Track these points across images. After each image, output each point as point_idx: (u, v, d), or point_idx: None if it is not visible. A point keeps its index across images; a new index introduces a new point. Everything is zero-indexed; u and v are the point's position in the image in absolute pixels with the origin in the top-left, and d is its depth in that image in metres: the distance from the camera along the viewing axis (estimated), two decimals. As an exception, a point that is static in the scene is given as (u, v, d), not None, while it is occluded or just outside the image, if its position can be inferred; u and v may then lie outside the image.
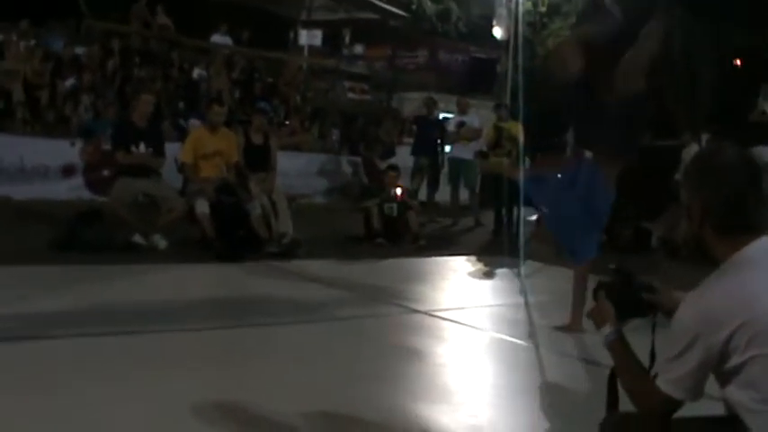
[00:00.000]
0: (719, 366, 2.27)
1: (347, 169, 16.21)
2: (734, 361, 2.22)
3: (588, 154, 6.14)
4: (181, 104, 15.49)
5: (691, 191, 2.49)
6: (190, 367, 4.81)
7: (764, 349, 2.16)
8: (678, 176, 14.87)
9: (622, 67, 5.64)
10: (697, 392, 2.34)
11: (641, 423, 2.50)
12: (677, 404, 2.37)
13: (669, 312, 2.55)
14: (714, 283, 2.33)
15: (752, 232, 2.36)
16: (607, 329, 2.63)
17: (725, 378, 2.28)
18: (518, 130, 12.99)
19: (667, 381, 2.35)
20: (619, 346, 2.59)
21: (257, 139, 10.13)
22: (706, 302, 2.29)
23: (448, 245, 11.81)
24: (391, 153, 15.56)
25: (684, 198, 2.52)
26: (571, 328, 6.26)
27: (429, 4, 27.40)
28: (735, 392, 2.26)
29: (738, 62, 28.90)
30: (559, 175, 6.48)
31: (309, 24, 19.74)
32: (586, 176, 6.06)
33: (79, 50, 15.53)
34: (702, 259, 2.48)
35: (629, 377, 2.54)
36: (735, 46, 24.99)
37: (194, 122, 13.26)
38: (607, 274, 2.83)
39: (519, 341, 6.15)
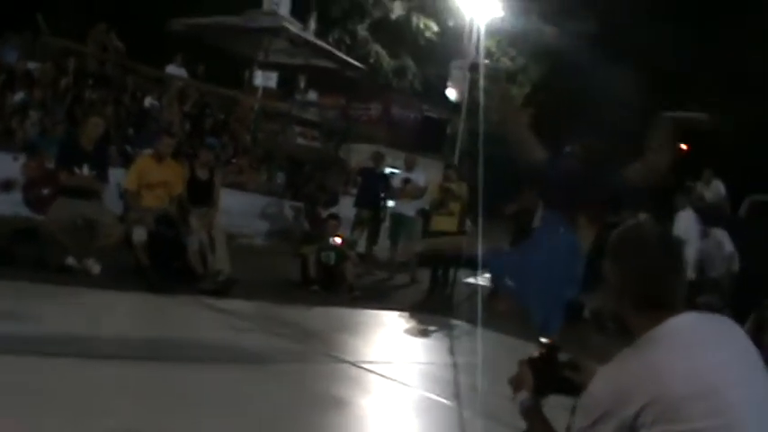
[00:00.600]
0: None
1: (289, 214, 16.18)
2: None
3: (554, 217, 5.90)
4: (130, 131, 15.36)
5: (609, 266, 2.54)
6: (96, 397, 4.72)
7: (669, 426, 2.18)
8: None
9: None
10: None
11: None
12: None
13: None
14: (627, 358, 2.36)
15: (667, 309, 2.40)
16: (522, 396, 2.67)
17: None
18: (465, 191, 13.14)
19: None
20: (533, 413, 2.63)
21: (202, 173, 10.09)
22: (617, 378, 2.33)
23: (382, 298, 11.84)
24: (335, 202, 15.60)
25: (605, 273, 2.57)
26: None
27: (386, 58, 27.74)
28: (642, 465, 2.29)
29: (685, 147, 29.63)
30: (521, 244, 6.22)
31: (266, 66, 19.78)
32: (555, 240, 5.74)
33: (32, 66, 15.38)
34: (629, 334, 2.52)
35: None
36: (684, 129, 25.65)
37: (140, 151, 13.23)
38: (535, 346, 2.88)
39: (443, 400, 6.17)
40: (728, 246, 12.07)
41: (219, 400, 5.18)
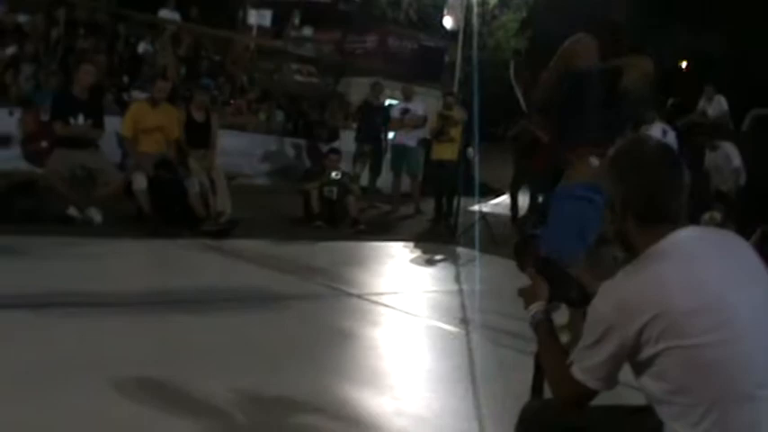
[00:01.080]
0: (633, 357, 2.29)
1: (290, 151, 16.13)
2: (646, 353, 2.24)
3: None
4: (125, 78, 15.25)
5: (612, 183, 2.53)
6: (109, 346, 4.77)
7: (675, 341, 2.18)
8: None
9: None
10: (610, 382, 2.36)
11: (560, 410, 2.53)
12: (592, 393, 2.38)
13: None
14: (630, 273, 2.35)
15: (670, 223, 2.39)
16: (536, 307, 2.67)
17: (639, 369, 2.30)
18: (462, 116, 13.09)
19: (582, 369, 2.36)
20: (544, 327, 2.63)
21: (199, 116, 10.01)
22: (621, 293, 2.32)
23: (387, 231, 11.85)
24: (335, 136, 15.54)
25: (607, 191, 2.56)
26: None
27: (381, -11, 27.38)
28: (647, 383, 2.28)
29: (684, 64, 29.46)
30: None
31: (259, 4, 19.58)
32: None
33: (22, 18, 15.22)
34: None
35: (550, 358, 2.57)
36: (681, 47, 25.52)
37: (137, 94, 13.13)
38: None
39: (451, 327, 6.19)
40: (736, 159, 11.99)
41: (230, 340, 5.22)
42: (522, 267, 2.85)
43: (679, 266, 2.30)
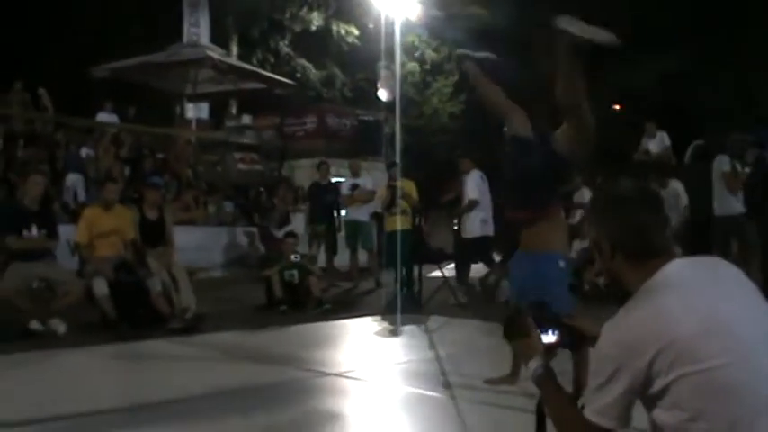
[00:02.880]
0: (645, 391, 2.31)
1: (243, 240, 16.15)
2: (659, 384, 2.26)
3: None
4: (69, 185, 15.17)
5: (597, 226, 2.61)
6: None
7: (687, 368, 2.22)
8: (570, 221, 15.35)
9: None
10: (625, 421, 2.38)
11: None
12: None
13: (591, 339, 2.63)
14: (630, 310, 2.40)
15: (660, 256, 2.46)
16: (534, 363, 2.69)
17: (651, 402, 2.32)
18: (411, 188, 13.19)
19: (595, 411, 2.38)
20: (547, 380, 2.64)
21: (152, 214, 9.99)
22: (624, 330, 2.35)
23: (352, 307, 11.83)
24: (286, 221, 15.56)
25: (592, 235, 2.63)
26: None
27: (313, 70, 27.71)
28: (661, 415, 2.30)
29: (617, 107, 30.10)
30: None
31: (195, 97, 19.69)
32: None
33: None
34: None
35: (558, 409, 2.58)
36: (614, 89, 26.11)
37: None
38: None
39: (436, 394, 6.16)
40: (684, 196, 12.23)
41: (225, 428, 5.17)
42: (511, 336, 2.85)
43: (677, 296, 2.35)
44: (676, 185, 12.35)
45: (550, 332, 2.80)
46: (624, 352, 2.31)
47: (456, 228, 13.82)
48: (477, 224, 12.35)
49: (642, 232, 2.49)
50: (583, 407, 2.44)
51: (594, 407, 2.39)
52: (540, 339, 2.76)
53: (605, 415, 2.37)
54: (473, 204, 12.24)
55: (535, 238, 5.72)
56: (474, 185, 12.32)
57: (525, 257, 5.83)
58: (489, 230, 12.42)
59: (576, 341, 2.89)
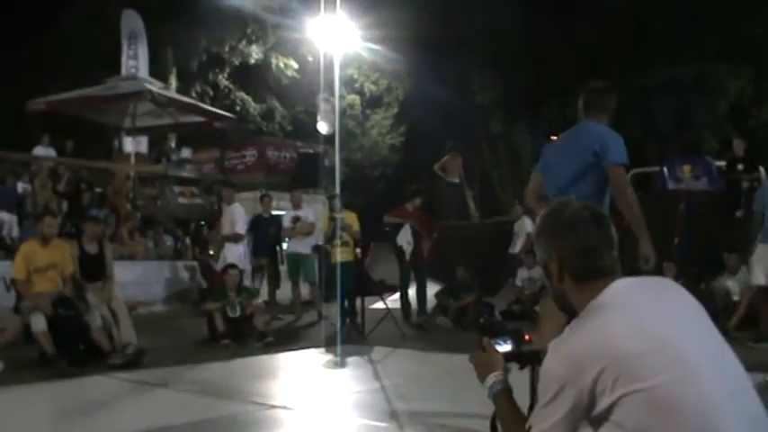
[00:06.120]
0: (590, 411, 2.32)
1: (184, 274, 15.99)
2: (603, 403, 2.27)
3: None
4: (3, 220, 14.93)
5: (546, 247, 2.63)
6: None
7: (631, 386, 2.23)
8: (511, 250, 15.49)
9: None
10: None
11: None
12: None
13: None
14: (576, 329, 2.42)
15: (605, 277, 2.50)
16: (493, 378, 2.71)
17: (597, 422, 2.32)
18: (354, 219, 13.22)
19: (540, 430, 2.40)
20: (504, 395, 2.67)
21: (91, 248, 9.84)
22: (569, 349, 2.37)
23: (295, 340, 11.77)
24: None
25: (541, 256, 2.66)
26: None
27: (252, 104, 27.70)
28: (605, 436, 2.32)
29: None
30: None
31: (134, 131, 19.50)
32: None
33: None
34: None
35: (510, 427, 2.61)
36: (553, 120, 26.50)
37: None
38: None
39: (384, 424, 6.14)
40: None
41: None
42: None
43: (622, 315, 2.38)
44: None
45: (504, 341, 2.84)
46: (568, 370, 2.33)
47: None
48: None
49: (590, 253, 2.53)
50: (530, 427, 2.45)
51: (540, 427, 2.40)
52: (500, 357, 2.78)
53: None
54: None
55: None
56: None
57: None
58: None
59: (526, 354, 2.92)
